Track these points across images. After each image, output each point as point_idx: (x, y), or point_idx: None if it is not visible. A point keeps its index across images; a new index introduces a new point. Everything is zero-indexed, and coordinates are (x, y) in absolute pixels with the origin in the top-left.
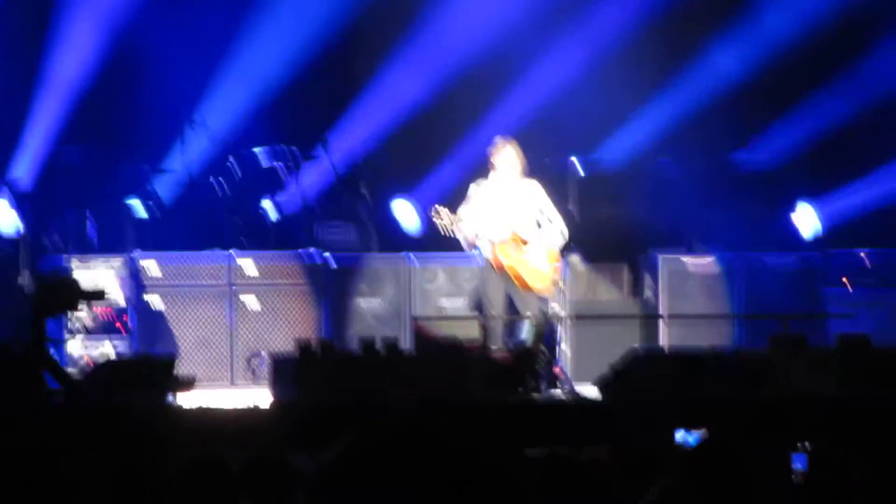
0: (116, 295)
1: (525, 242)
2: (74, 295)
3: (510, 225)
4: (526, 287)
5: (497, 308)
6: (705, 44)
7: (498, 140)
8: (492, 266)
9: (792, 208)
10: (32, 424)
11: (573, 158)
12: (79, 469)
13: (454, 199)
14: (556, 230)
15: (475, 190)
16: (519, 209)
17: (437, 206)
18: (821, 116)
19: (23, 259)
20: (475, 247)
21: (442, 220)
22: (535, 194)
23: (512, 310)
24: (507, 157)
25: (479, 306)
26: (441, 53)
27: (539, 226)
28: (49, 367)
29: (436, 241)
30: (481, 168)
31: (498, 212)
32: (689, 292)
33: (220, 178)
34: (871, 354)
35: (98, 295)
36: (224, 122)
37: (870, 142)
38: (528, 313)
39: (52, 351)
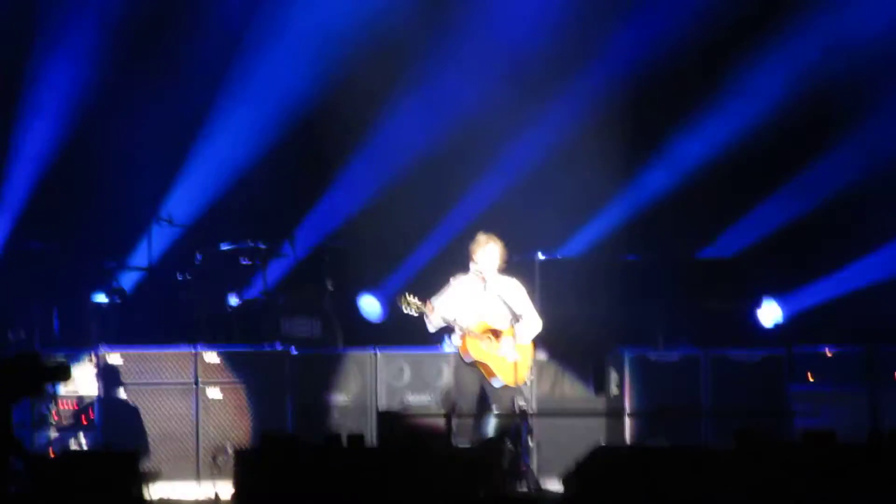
0: (81, 389)
1: (496, 336)
2: (38, 375)
3: (481, 318)
4: (495, 379)
5: (467, 402)
6: (668, 138)
7: (481, 236)
8: (462, 359)
9: (757, 304)
10: None
11: (538, 255)
12: None
13: (419, 290)
14: (530, 325)
15: (454, 283)
16: (494, 304)
17: (405, 294)
18: (785, 212)
19: None
20: (447, 332)
21: (410, 307)
22: (514, 291)
23: (486, 403)
24: (488, 253)
25: (450, 400)
26: (404, 149)
27: (514, 321)
28: (14, 449)
29: (401, 335)
30: (447, 260)
31: (472, 305)
32: (654, 388)
33: (187, 274)
34: (836, 450)
35: (62, 373)
36: (190, 217)
37: (835, 236)
38: (495, 408)
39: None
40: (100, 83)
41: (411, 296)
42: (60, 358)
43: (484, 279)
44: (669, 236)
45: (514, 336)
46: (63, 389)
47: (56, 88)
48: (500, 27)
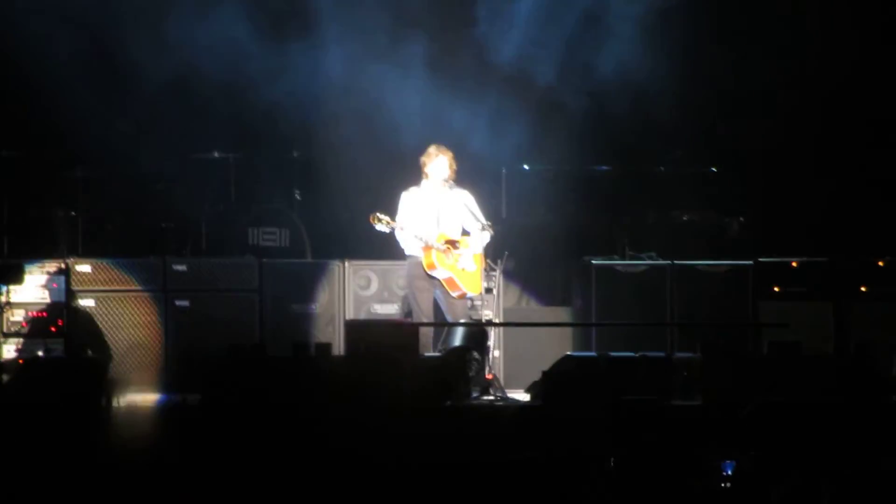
0: (50, 297)
1: (455, 247)
2: None
3: (441, 231)
4: (458, 291)
5: (427, 314)
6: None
7: (432, 148)
8: (422, 271)
9: (724, 214)
10: None
11: (506, 168)
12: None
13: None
14: (483, 234)
15: (406, 197)
16: (449, 215)
17: (377, 213)
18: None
19: None
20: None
21: (381, 223)
22: (465, 201)
23: (439, 315)
24: (440, 165)
25: (409, 312)
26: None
27: (467, 232)
28: None
29: (369, 247)
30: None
31: (429, 218)
32: (621, 299)
33: (157, 185)
34: (801, 361)
35: (13, 273)
36: (163, 127)
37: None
38: (461, 319)
39: None
40: None
41: (382, 213)
42: (13, 261)
43: (436, 191)
44: (638, 146)
45: (469, 246)
46: (32, 297)
47: None
48: None
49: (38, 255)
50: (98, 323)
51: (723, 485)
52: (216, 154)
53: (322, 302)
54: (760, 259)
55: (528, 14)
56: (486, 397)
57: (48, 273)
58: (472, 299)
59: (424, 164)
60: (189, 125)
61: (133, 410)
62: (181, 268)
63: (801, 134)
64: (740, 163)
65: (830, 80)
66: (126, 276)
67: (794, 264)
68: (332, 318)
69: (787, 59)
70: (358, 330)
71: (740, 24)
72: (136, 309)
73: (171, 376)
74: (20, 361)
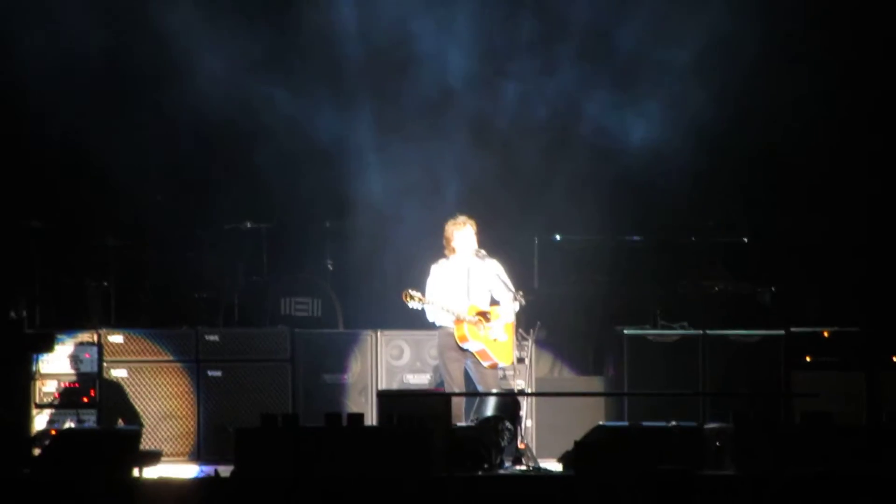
0: (82, 368)
1: (486, 318)
2: (20, 344)
3: (471, 302)
4: (490, 362)
5: (459, 384)
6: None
7: (458, 217)
8: (453, 342)
9: (756, 284)
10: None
11: (538, 237)
12: None
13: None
14: (513, 304)
15: (436, 270)
16: (479, 286)
17: (409, 290)
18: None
19: None
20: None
21: (414, 300)
22: (496, 271)
23: (471, 385)
24: (466, 235)
25: (441, 382)
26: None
27: (496, 301)
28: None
29: (401, 317)
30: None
31: (459, 290)
32: (653, 368)
33: (188, 254)
34: (833, 431)
35: (45, 342)
36: (189, 196)
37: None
38: (493, 389)
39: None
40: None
41: (414, 290)
42: (44, 330)
43: (464, 261)
44: (672, 215)
45: (500, 316)
46: (65, 368)
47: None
48: None
49: (71, 325)
50: (130, 394)
51: None
52: (248, 224)
53: (354, 372)
54: (792, 329)
55: (562, 81)
56: (518, 467)
57: (80, 344)
58: (503, 369)
59: (451, 236)
60: (221, 195)
61: (165, 482)
62: (213, 338)
63: (832, 205)
64: (772, 233)
65: (863, 152)
66: (158, 347)
67: (825, 334)
68: (364, 387)
69: (818, 130)
70: (390, 400)
71: (774, 89)
72: (168, 379)
73: (204, 447)
74: (52, 432)
